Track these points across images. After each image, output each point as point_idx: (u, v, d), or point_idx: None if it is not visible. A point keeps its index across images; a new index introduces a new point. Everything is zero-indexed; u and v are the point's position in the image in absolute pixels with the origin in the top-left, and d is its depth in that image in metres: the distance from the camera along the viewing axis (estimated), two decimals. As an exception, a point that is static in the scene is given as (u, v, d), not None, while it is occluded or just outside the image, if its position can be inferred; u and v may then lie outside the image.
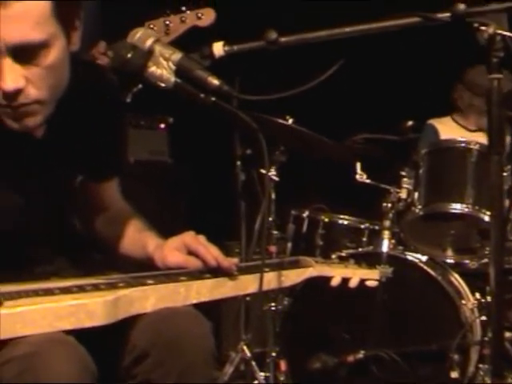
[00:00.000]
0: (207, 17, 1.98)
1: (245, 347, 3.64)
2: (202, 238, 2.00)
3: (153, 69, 1.80)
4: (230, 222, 3.56)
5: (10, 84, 1.70)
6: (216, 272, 1.95)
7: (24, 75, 1.72)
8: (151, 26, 1.92)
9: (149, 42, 1.80)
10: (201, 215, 4.37)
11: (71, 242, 2.06)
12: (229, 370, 3.60)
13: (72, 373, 1.63)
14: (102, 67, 2.05)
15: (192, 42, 2.08)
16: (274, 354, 3.51)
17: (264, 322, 3.59)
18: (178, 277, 1.89)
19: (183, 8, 1.98)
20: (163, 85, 1.81)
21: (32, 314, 1.65)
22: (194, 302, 1.89)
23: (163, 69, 1.80)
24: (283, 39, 1.90)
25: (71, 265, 2.03)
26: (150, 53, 1.80)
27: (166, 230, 2.11)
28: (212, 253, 1.96)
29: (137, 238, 2.13)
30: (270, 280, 2.05)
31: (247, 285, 1.99)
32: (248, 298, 3.67)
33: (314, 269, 2.18)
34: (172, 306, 1.85)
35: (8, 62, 1.69)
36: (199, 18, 1.96)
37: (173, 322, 1.82)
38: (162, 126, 4.59)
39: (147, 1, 2.00)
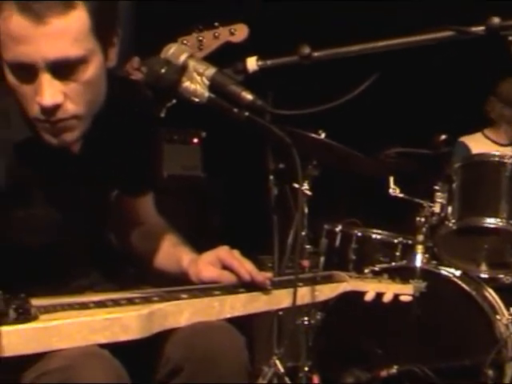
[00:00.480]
0: (240, 32, 1.98)
1: (277, 361, 3.62)
2: (236, 253, 2.00)
3: (187, 84, 1.80)
4: (263, 236, 3.55)
5: (48, 99, 1.71)
6: (250, 287, 1.95)
7: (62, 91, 1.73)
8: (184, 42, 1.92)
9: (182, 57, 1.80)
10: (234, 229, 4.36)
11: (106, 257, 2.07)
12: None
13: (104, 381, 1.63)
14: (136, 83, 2.05)
15: (225, 57, 2.08)
16: (306, 369, 3.49)
17: (297, 336, 3.57)
18: (212, 291, 1.90)
19: (216, 24, 1.97)
20: (197, 100, 1.80)
21: (67, 327, 1.65)
22: (228, 316, 1.90)
23: (197, 84, 1.80)
24: (316, 54, 1.89)
25: (106, 279, 2.04)
26: (183, 68, 1.80)
27: (200, 245, 2.11)
28: (246, 267, 1.96)
29: (171, 252, 2.14)
30: (304, 295, 2.05)
31: (281, 299, 1.98)
32: (281, 313, 3.66)
33: (347, 283, 2.17)
34: (206, 320, 1.85)
35: (47, 78, 1.70)
36: (232, 34, 1.96)
37: (207, 336, 1.82)
38: (196, 140, 4.60)
39: (181, 17, 2.00)
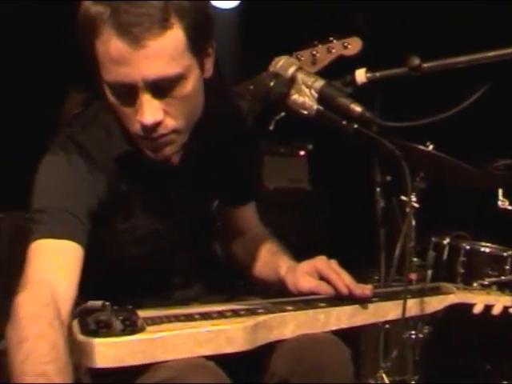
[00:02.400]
0: (354, 46, 1.96)
1: (384, 375, 3.57)
2: (334, 264, 1.98)
3: (295, 96, 1.79)
4: (369, 249, 3.51)
5: (149, 118, 1.73)
6: (348, 299, 1.92)
7: (162, 108, 1.74)
8: (299, 57, 1.91)
9: (291, 70, 1.80)
10: (340, 242, 4.34)
11: (211, 267, 2.08)
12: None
13: None
14: (236, 94, 2.05)
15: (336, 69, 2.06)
16: (413, 383, 3.44)
17: (404, 350, 3.52)
18: (317, 303, 1.88)
19: (330, 38, 1.96)
20: (305, 112, 1.79)
21: (173, 339, 1.67)
22: (334, 328, 1.88)
23: (305, 96, 1.79)
24: (426, 65, 1.87)
25: (211, 290, 2.04)
26: (292, 81, 1.79)
27: (305, 257, 2.09)
28: (344, 280, 1.94)
29: (270, 260, 2.13)
30: (412, 307, 2.01)
31: (387, 312, 1.96)
32: (387, 326, 3.61)
33: (455, 295, 2.13)
34: (311, 332, 1.83)
35: (147, 98, 1.72)
36: (346, 48, 1.95)
37: (313, 349, 1.80)
38: (302, 153, 4.59)
39: (296, 32, 2.00)
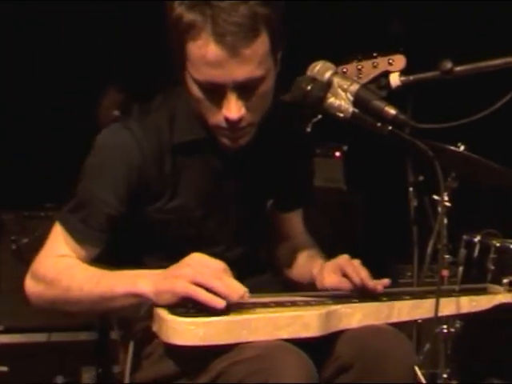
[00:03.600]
0: (398, 63, 1.96)
1: (416, 368, 3.55)
2: (355, 262, 2.01)
3: (331, 100, 1.81)
4: (403, 246, 3.50)
5: (235, 114, 1.82)
6: (364, 294, 1.95)
7: (244, 104, 1.83)
8: (344, 70, 1.93)
9: (327, 74, 1.82)
10: (374, 239, 4.33)
11: (257, 267, 2.09)
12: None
13: (301, 375, 1.69)
14: (285, 101, 2.08)
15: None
16: (445, 376, 3.42)
17: (436, 343, 3.51)
18: (380, 296, 1.94)
19: (375, 54, 1.97)
20: (341, 115, 1.81)
21: (256, 322, 1.73)
22: (395, 320, 1.92)
23: (341, 99, 1.80)
24: (458, 68, 1.87)
25: (255, 287, 2.05)
26: (328, 84, 1.81)
27: (340, 254, 2.09)
28: (359, 274, 1.96)
29: (306, 264, 2.17)
30: (463, 305, 2.04)
31: (443, 307, 1.97)
32: (420, 321, 3.60)
33: (503, 295, 2.14)
34: (375, 323, 1.88)
35: (234, 96, 1.81)
36: (390, 64, 1.96)
37: (378, 337, 1.85)
38: (338, 154, 4.60)
39: (342, 46, 2.01)
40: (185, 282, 1.72)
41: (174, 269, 1.76)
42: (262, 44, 1.79)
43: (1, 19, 4.17)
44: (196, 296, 1.70)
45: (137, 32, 4.01)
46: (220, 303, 1.69)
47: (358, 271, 1.96)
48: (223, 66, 1.77)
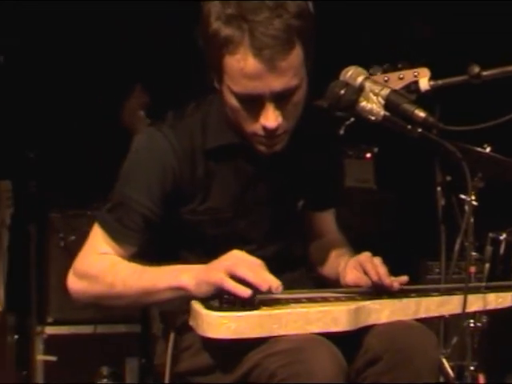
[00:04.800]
0: (423, 75, 1.97)
1: (444, 360, 3.54)
2: (376, 259, 1.99)
3: (363, 103, 1.81)
4: (431, 244, 3.48)
5: (273, 123, 1.82)
6: (382, 290, 1.94)
7: (280, 113, 1.83)
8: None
9: (360, 79, 1.82)
10: (403, 237, 4.31)
11: (289, 264, 2.08)
12: (438, 379, 3.51)
13: (332, 368, 1.70)
14: (315, 105, 2.07)
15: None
16: (472, 368, 3.39)
17: (463, 337, 3.48)
18: (408, 293, 1.92)
19: (400, 66, 1.98)
20: (373, 118, 1.81)
21: (287, 316, 1.74)
22: (423, 316, 1.91)
23: (373, 103, 1.81)
24: (485, 73, 1.86)
25: (287, 283, 2.04)
26: (360, 89, 1.81)
27: (372, 252, 2.08)
28: (377, 271, 1.95)
29: (334, 261, 2.15)
30: (489, 301, 2.02)
31: (471, 303, 1.95)
32: (447, 316, 3.58)
33: None
34: (403, 318, 1.87)
35: (271, 106, 1.81)
36: (415, 77, 1.96)
37: (405, 332, 1.84)
38: (368, 155, 4.59)
39: (369, 58, 2.01)
40: (219, 272, 1.74)
41: (214, 262, 1.78)
42: (296, 55, 1.79)
43: (34, 22, 4.18)
44: (224, 285, 1.72)
45: (164, 33, 3.99)
46: (245, 292, 1.70)
47: (376, 268, 1.95)
48: (261, 78, 1.77)
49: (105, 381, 3.79)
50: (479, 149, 3.23)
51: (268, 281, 1.72)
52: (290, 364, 1.69)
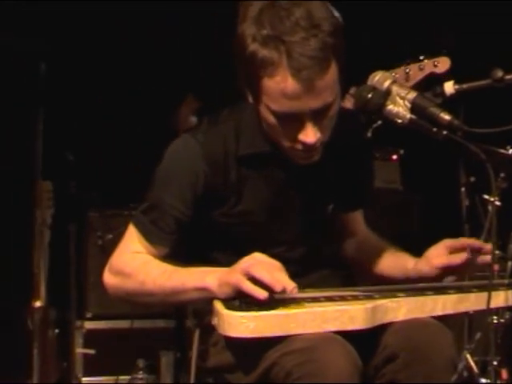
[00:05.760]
0: (443, 65, 1.95)
1: (468, 355, 3.51)
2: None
3: (390, 107, 1.80)
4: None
5: (312, 139, 1.81)
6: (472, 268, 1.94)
7: (318, 128, 1.82)
8: (393, 74, 1.92)
9: (386, 84, 1.81)
10: (429, 236, 4.28)
11: (319, 262, 2.07)
12: (453, 376, 3.48)
13: (346, 366, 1.69)
14: (346, 108, 2.06)
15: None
16: (495, 363, 3.36)
17: (486, 333, 3.45)
18: (425, 291, 1.89)
19: (421, 57, 1.96)
20: (399, 121, 1.80)
21: (304, 316, 1.73)
22: (440, 313, 1.87)
23: (399, 106, 1.79)
24: (509, 77, 1.84)
25: (317, 281, 2.03)
26: (387, 93, 1.80)
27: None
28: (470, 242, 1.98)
29: (395, 260, 2.12)
30: (510, 297, 1.97)
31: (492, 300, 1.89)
32: (471, 312, 3.55)
33: None
34: (420, 316, 1.84)
35: (310, 123, 1.80)
36: (436, 66, 1.95)
37: (422, 330, 1.82)
38: (394, 157, 4.57)
39: (391, 52, 2.00)
40: (238, 273, 1.74)
41: (235, 265, 1.78)
42: (332, 73, 1.77)
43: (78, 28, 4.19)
44: (242, 286, 1.72)
45: (214, 41, 3.97)
46: (262, 294, 1.70)
47: (467, 241, 1.98)
48: (300, 98, 1.75)
49: (140, 373, 3.82)
50: (502, 150, 3.20)
51: (283, 282, 1.72)
52: (304, 363, 1.69)
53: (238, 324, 1.69)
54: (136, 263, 1.91)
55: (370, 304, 1.77)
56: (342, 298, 1.81)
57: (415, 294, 1.87)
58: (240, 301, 1.74)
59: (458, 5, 4.08)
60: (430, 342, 1.79)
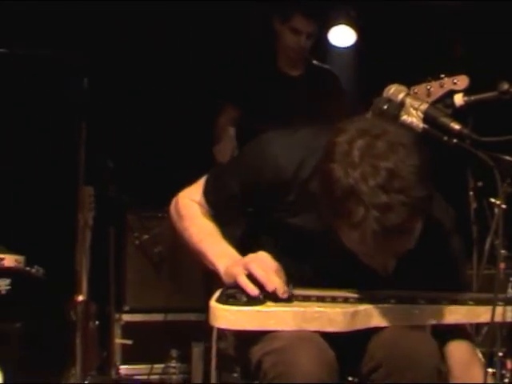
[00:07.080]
0: (462, 82, 1.95)
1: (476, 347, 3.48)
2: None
3: (404, 117, 1.80)
4: (464, 243, 3.44)
5: (390, 271, 1.74)
6: None
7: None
8: (415, 91, 1.92)
9: (401, 96, 1.82)
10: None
11: None
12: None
13: (315, 368, 1.67)
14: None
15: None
16: (500, 354, 3.34)
17: (492, 326, 3.42)
18: (416, 300, 1.80)
19: (442, 75, 1.96)
20: (413, 130, 1.79)
21: (283, 314, 1.71)
22: (426, 323, 1.82)
23: (413, 117, 1.80)
24: (514, 89, 1.84)
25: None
26: (401, 104, 1.81)
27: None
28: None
29: None
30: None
31: (479, 314, 1.84)
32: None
33: None
34: (406, 324, 1.79)
35: (392, 261, 1.72)
36: (455, 84, 1.94)
37: (407, 338, 1.77)
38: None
39: (415, 71, 2.00)
40: (238, 266, 1.76)
41: (243, 258, 1.80)
42: (418, 229, 1.66)
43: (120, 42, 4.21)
44: (238, 279, 1.74)
45: (255, 53, 3.93)
46: (253, 290, 1.71)
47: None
48: (377, 255, 1.68)
49: (173, 362, 3.85)
50: (508, 157, 3.18)
51: (274, 283, 1.71)
52: (277, 364, 1.68)
53: (221, 316, 1.70)
54: (189, 211, 1.97)
55: (351, 308, 1.72)
56: (333, 300, 1.76)
57: (406, 302, 1.79)
58: (236, 291, 1.74)
59: (468, 18, 4.07)
60: (414, 351, 1.74)
